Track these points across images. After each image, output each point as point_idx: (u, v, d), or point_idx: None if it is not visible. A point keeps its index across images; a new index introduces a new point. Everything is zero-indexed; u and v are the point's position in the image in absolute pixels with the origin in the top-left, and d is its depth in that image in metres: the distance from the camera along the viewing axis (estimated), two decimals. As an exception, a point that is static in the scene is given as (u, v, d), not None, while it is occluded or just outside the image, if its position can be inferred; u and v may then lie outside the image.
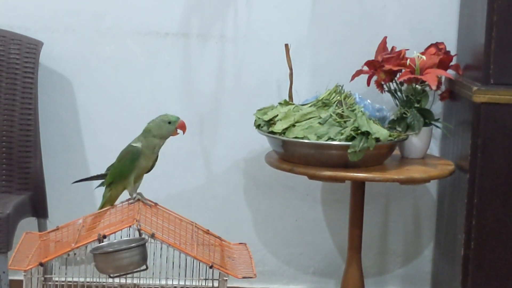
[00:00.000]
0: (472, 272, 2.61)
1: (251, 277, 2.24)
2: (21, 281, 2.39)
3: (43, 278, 2.46)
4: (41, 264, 2.17)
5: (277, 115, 2.73)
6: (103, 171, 2.72)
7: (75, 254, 2.27)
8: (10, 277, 2.62)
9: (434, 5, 3.00)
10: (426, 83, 2.63)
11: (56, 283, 2.51)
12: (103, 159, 2.83)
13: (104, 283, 2.55)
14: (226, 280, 2.23)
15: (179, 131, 2.51)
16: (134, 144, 2.46)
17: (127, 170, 2.45)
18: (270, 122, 2.73)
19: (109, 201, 2.50)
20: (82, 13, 3.07)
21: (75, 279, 2.49)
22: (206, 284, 2.41)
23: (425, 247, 3.16)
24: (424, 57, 2.67)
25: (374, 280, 3.22)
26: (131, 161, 2.44)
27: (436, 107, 2.91)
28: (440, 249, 3.04)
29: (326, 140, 2.54)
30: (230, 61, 3.08)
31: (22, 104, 2.89)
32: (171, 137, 2.56)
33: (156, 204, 2.45)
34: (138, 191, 2.51)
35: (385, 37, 2.79)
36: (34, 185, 2.82)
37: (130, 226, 2.23)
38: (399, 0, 3.03)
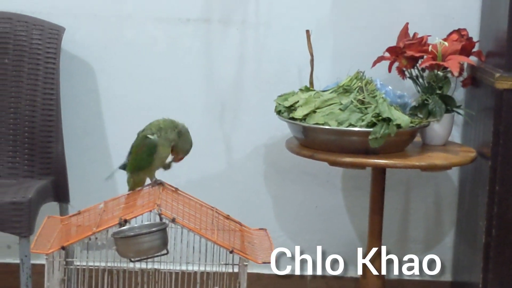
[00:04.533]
0: (493, 259, 2.62)
1: (267, 262, 2.25)
2: (43, 265, 2.39)
3: (64, 262, 2.44)
4: (62, 248, 2.19)
5: (298, 101, 2.73)
6: (123, 156, 2.70)
7: (96, 238, 2.29)
8: (32, 261, 2.64)
9: (456, -10, 2.98)
10: (448, 69, 2.63)
11: (78, 267, 2.53)
12: (124, 144, 2.78)
13: (125, 268, 2.56)
14: (246, 265, 2.24)
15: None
16: (151, 136, 2.44)
17: (145, 163, 2.46)
18: (291, 108, 2.73)
19: (131, 188, 2.51)
20: None
21: (96, 264, 2.51)
22: (226, 269, 2.40)
23: (446, 234, 3.17)
24: (446, 43, 2.67)
25: (394, 266, 3.08)
26: (148, 154, 2.45)
27: (458, 93, 2.90)
28: (461, 236, 3.06)
29: (347, 127, 2.55)
30: (251, 47, 3.09)
31: (44, 89, 2.91)
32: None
33: (176, 189, 2.46)
34: (158, 177, 2.52)
35: (407, 23, 2.79)
36: (55, 169, 2.84)
37: (151, 211, 2.24)
38: (421, -15, 3.03)
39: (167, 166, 2.54)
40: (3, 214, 2.47)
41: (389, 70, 2.80)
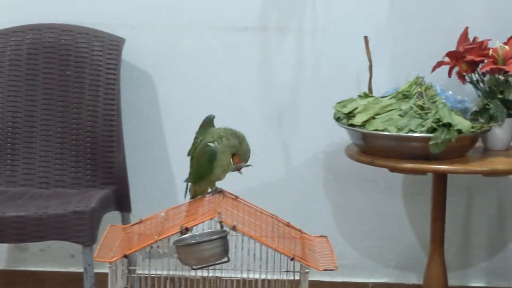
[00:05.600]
0: None
1: (332, 270, 2.22)
2: (106, 273, 2.40)
3: (127, 271, 2.48)
4: (125, 256, 2.20)
5: (357, 108, 2.73)
6: (184, 165, 2.71)
7: (158, 246, 2.30)
8: (96, 270, 2.67)
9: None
10: (510, 73, 2.61)
11: (140, 275, 2.55)
12: (184, 152, 2.77)
13: (186, 276, 2.58)
14: (308, 272, 2.22)
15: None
16: (211, 144, 2.45)
17: (206, 170, 2.45)
18: (350, 115, 2.73)
19: (193, 197, 2.53)
20: (162, 9, 3.12)
21: (158, 272, 2.54)
22: (287, 276, 2.39)
23: (509, 240, 3.12)
24: (507, 47, 2.64)
25: (457, 274, 3.18)
26: (209, 162, 2.44)
27: None
28: None
29: (407, 132, 2.54)
30: (308, 54, 3.10)
31: (105, 100, 2.94)
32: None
33: (236, 197, 2.46)
34: (218, 185, 2.53)
35: (467, 27, 2.77)
36: (117, 179, 2.87)
37: (211, 219, 2.23)
38: (481, -12, 2.98)
39: (232, 170, 2.52)
40: (66, 224, 2.49)
41: (449, 75, 2.79)
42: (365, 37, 2.84)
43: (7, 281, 3.25)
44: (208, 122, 2.53)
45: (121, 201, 2.88)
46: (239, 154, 2.44)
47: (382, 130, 2.56)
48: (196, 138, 2.49)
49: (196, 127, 2.79)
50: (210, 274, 2.61)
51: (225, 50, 3.08)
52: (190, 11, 3.07)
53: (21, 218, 2.48)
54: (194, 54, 3.09)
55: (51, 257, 3.21)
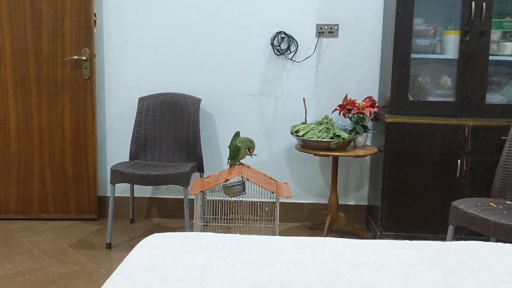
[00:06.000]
0: (386, 195, 2.60)
1: (289, 197, 2.30)
2: (193, 199, 2.65)
3: (202, 198, 2.67)
4: (201, 191, 2.34)
5: (300, 128, 2.75)
6: (225, 151, 2.95)
7: (215, 187, 2.37)
8: (189, 197, 2.69)
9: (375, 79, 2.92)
10: (365, 114, 2.75)
11: (208, 199, 2.76)
12: (226, 146, 2.97)
13: (226, 199, 2.73)
14: (279, 198, 2.31)
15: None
16: (238, 144, 2.51)
17: (236, 155, 2.52)
18: (297, 131, 2.74)
19: (230, 166, 2.55)
20: (216, 82, 2.97)
21: (215, 198, 2.75)
22: (271, 200, 2.47)
23: (364, 185, 3.05)
24: (364, 102, 2.78)
25: (342, 199, 3.09)
26: (237, 152, 2.51)
27: (369, 124, 2.93)
28: (371, 186, 2.92)
29: (321, 138, 2.64)
30: (280, 105, 3.00)
31: (193, 125, 2.88)
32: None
33: (249, 166, 2.56)
34: (242, 161, 2.60)
35: (346, 95, 2.88)
36: (198, 157, 2.88)
37: (238, 175, 2.37)
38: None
39: (248, 155, 2.55)
40: (177, 177, 2.51)
41: (339, 114, 2.88)
42: (303, 99, 2.93)
43: (151, 203, 3.18)
44: (236, 134, 2.60)
45: (199, 168, 2.88)
46: (251, 148, 2.54)
47: (311, 137, 2.66)
48: (232, 141, 2.57)
49: (230, 136, 2.82)
50: (237, 199, 2.72)
51: (244, 105, 3.02)
52: (232, 83, 3.00)
53: (157, 175, 2.52)
54: (233, 106, 3.01)
55: (170, 191, 3.15)
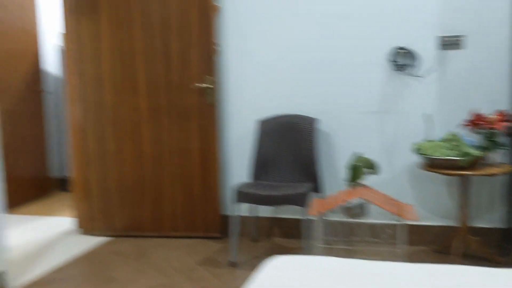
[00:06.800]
0: None
1: (414, 220, 2.21)
2: (312, 220, 2.73)
3: (322, 219, 2.66)
4: (321, 212, 2.32)
5: (423, 146, 2.62)
6: (342, 171, 2.97)
7: (334, 207, 2.33)
8: (308, 218, 2.70)
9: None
10: (496, 129, 2.59)
11: (327, 220, 2.77)
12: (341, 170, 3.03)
13: (347, 220, 2.72)
14: (403, 221, 2.21)
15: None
16: (358, 163, 2.49)
17: (357, 177, 2.51)
18: (419, 149, 2.62)
19: (350, 186, 2.50)
20: (327, 101, 2.99)
21: (335, 219, 2.77)
22: (393, 222, 2.53)
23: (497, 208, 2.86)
24: (494, 116, 2.64)
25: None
26: (355, 172, 2.50)
27: (501, 139, 2.68)
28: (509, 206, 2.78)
29: (450, 157, 2.51)
30: (400, 122, 2.94)
31: (309, 144, 2.89)
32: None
33: (368, 186, 2.52)
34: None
35: (474, 109, 2.72)
36: (315, 178, 2.86)
37: (358, 196, 2.33)
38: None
39: (367, 175, 2.50)
40: (296, 198, 2.54)
41: (467, 129, 2.72)
42: (426, 114, 2.85)
43: (271, 222, 3.21)
44: (356, 154, 2.63)
45: (317, 188, 2.86)
46: (371, 168, 2.54)
47: (439, 156, 2.57)
48: (351, 161, 2.53)
49: (348, 155, 2.93)
50: (358, 221, 2.73)
51: (362, 123, 2.98)
52: (350, 101, 2.97)
53: (277, 196, 2.57)
54: (351, 124, 2.97)
55: (290, 211, 3.10)
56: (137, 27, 3.14)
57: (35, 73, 4.26)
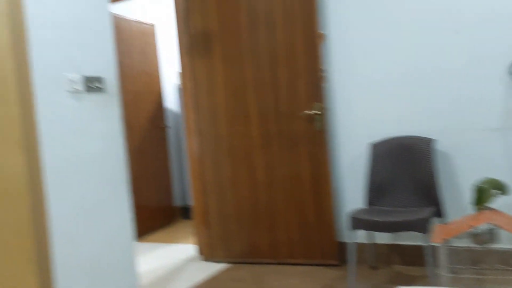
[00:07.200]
0: None
1: None
2: (435, 247, 2.66)
3: (447, 246, 2.52)
4: (445, 239, 2.28)
5: None
6: (465, 196, 2.86)
7: (460, 234, 2.27)
8: (432, 244, 2.64)
9: None
10: None
11: (453, 248, 2.72)
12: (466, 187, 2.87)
13: (476, 248, 2.64)
14: None
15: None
16: (484, 185, 2.38)
17: (481, 200, 2.41)
18: None
19: (476, 210, 2.41)
20: (444, 121, 2.89)
21: (459, 245, 2.66)
22: None
23: None
24: None
25: None
26: (482, 195, 2.40)
27: None
28: None
29: None
30: None
31: (427, 167, 2.83)
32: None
33: (498, 210, 2.37)
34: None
35: None
36: (436, 202, 2.78)
37: (486, 221, 2.24)
38: None
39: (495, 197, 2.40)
40: (417, 224, 2.48)
41: None
42: None
43: (390, 249, 3.11)
44: (485, 177, 2.51)
45: (439, 212, 2.78)
46: (499, 189, 2.41)
47: None
48: (481, 184, 2.41)
49: (471, 176, 2.83)
50: (487, 248, 2.63)
51: (484, 142, 2.83)
52: (468, 119, 2.84)
53: (396, 222, 2.52)
54: (472, 143, 2.85)
55: (410, 238, 3.05)
56: (247, 62, 3.29)
57: (159, 110, 4.63)
